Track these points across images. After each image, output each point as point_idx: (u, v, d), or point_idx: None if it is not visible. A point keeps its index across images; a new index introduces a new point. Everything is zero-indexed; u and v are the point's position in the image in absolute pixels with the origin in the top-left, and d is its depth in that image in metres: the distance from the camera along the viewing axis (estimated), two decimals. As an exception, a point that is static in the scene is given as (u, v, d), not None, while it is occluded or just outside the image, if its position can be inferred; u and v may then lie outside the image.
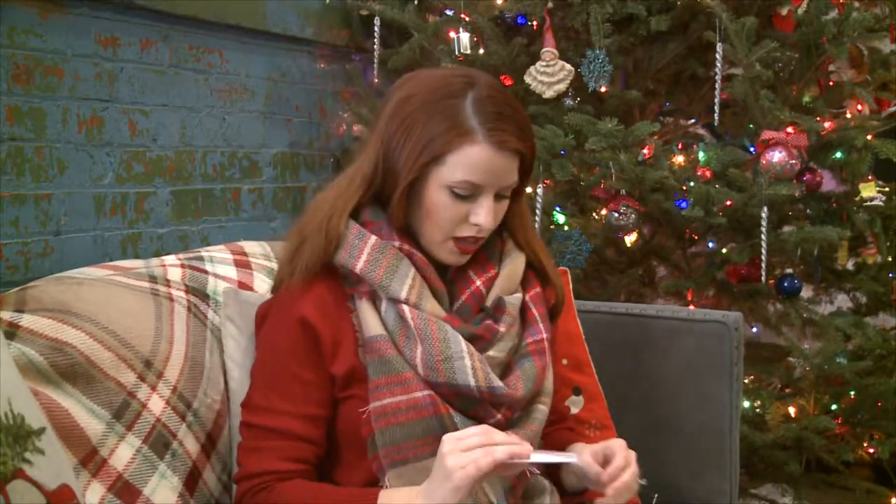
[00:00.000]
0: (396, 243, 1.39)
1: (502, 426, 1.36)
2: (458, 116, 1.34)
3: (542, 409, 1.45)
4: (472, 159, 1.33)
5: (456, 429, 1.33)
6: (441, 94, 1.36)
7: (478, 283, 1.43)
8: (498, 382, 1.36)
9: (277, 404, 1.39)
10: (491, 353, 1.39)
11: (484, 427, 1.26)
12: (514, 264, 1.47)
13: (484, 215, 1.36)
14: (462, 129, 1.33)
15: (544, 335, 1.46)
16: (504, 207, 1.42)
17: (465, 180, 1.34)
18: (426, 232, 1.40)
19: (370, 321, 1.38)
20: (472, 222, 1.37)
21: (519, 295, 1.47)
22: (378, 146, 1.38)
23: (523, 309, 1.47)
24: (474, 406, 1.37)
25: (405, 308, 1.36)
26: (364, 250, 1.38)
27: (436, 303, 1.39)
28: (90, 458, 1.30)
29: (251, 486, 1.37)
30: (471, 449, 1.22)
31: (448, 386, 1.35)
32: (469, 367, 1.34)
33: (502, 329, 1.41)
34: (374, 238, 1.39)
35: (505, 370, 1.41)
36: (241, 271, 1.69)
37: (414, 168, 1.35)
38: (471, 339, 1.37)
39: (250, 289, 1.67)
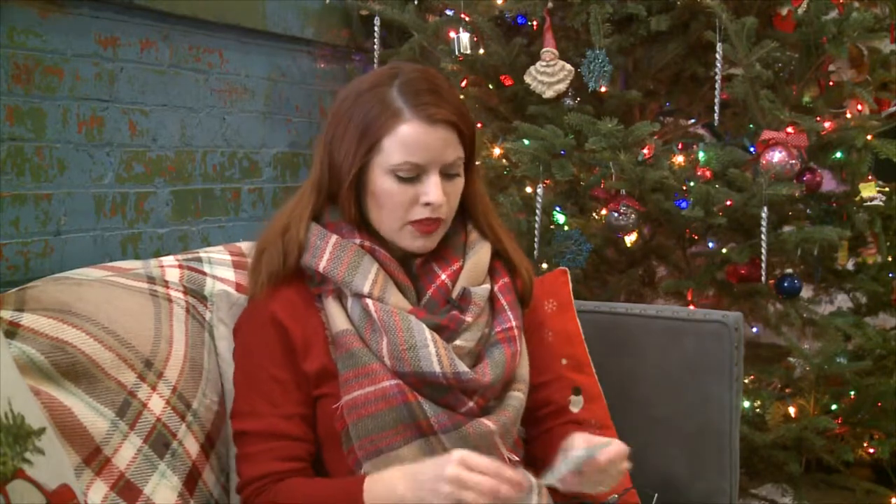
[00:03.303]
0: (357, 240, 1.42)
1: (475, 414, 1.39)
2: (386, 101, 1.38)
3: (517, 397, 1.46)
4: (406, 138, 1.37)
5: (426, 418, 1.36)
6: (369, 86, 1.41)
7: (443, 276, 1.45)
8: (463, 368, 1.37)
9: (261, 407, 1.41)
10: (458, 342, 1.40)
11: (497, 466, 1.23)
12: (479, 255, 1.48)
13: (433, 193, 1.38)
14: (391, 111, 1.37)
15: (513, 323, 1.47)
16: (457, 187, 1.43)
17: (405, 161, 1.37)
18: (383, 222, 1.42)
19: (337, 317, 1.41)
20: (422, 202, 1.39)
21: (487, 286, 1.48)
22: (322, 149, 1.44)
23: (492, 299, 1.48)
24: (444, 394, 1.38)
25: (369, 302, 1.39)
26: (326, 250, 1.41)
27: (401, 296, 1.42)
28: (94, 457, 1.30)
29: (251, 492, 1.38)
30: (476, 486, 1.21)
31: (415, 374, 1.36)
32: (434, 353, 1.36)
33: (469, 319, 1.42)
34: (335, 237, 1.42)
35: (476, 360, 1.42)
36: (239, 273, 1.69)
37: (355, 160, 1.39)
38: (436, 329, 1.39)
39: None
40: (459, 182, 1.43)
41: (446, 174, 1.40)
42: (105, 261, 1.90)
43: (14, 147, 1.75)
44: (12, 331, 1.31)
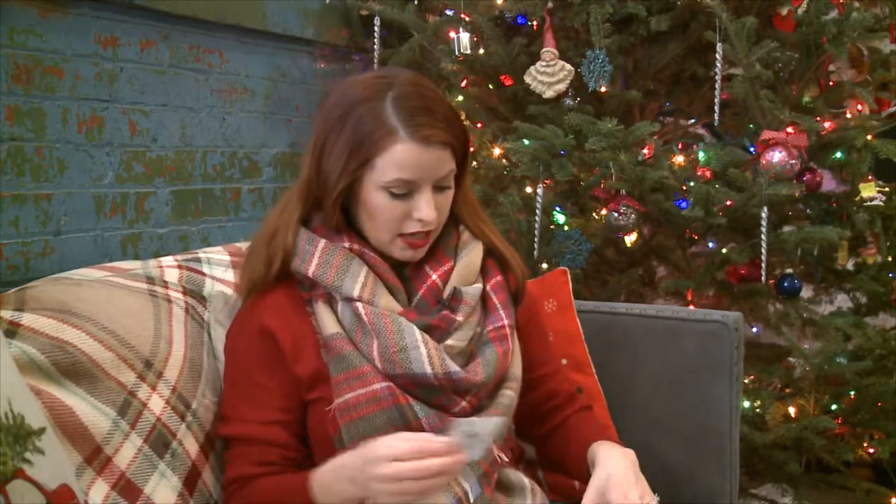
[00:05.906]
0: (346, 244, 1.41)
1: (468, 413, 1.39)
2: (380, 117, 1.35)
3: (509, 395, 1.46)
4: (400, 158, 1.34)
5: (417, 419, 1.35)
6: (362, 97, 1.37)
7: (434, 277, 1.45)
8: (455, 367, 1.37)
9: (244, 413, 1.42)
10: (450, 342, 1.40)
11: (420, 444, 1.23)
12: (471, 255, 1.48)
13: (425, 209, 1.37)
14: (385, 129, 1.34)
15: (505, 322, 1.47)
16: (449, 198, 1.43)
17: (398, 178, 1.35)
18: (372, 233, 1.42)
19: (327, 321, 1.41)
20: (415, 218, 1.38)
21: (479, 285, 1.48)
22: (311, 155, 1.41)
23: (485, 298, 1.48)
24: (436, 395, 1.38)
25: (359, 305, 1.38)
26: (315, 254, 1.41)
27: (391, 298, 1.41)
28: (95, 456, 1.30)
29: (227, 494, 1.42)
30: (410, 474, 1.21)
31: (406, 376, 1.36)
32: (424, 354, 1.36)
33: (460, 319, 1.42)
34: (323, 241, 1.42)
35: (468, 359, 1.42)
36: (238, 273, 1.69)
37: (344, 175, 1.36)
38: (426, 329, 1.39)
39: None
40: (451, 192, 1.43)
41: (438, 187, 1.40)
42: (105, 261, 1.90)
43: (14, 147, 1.75)
44: (12, 330, 1.31)
